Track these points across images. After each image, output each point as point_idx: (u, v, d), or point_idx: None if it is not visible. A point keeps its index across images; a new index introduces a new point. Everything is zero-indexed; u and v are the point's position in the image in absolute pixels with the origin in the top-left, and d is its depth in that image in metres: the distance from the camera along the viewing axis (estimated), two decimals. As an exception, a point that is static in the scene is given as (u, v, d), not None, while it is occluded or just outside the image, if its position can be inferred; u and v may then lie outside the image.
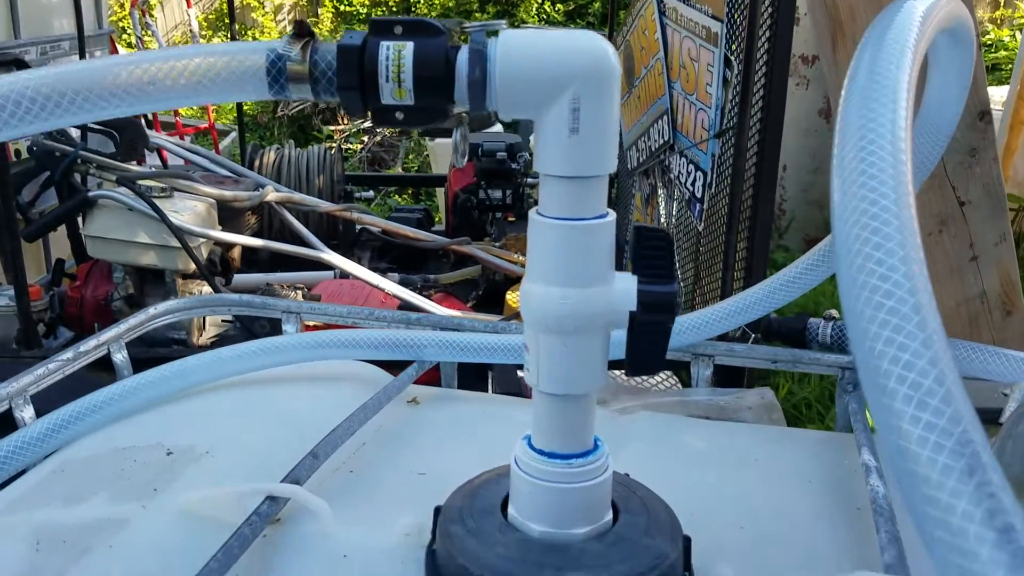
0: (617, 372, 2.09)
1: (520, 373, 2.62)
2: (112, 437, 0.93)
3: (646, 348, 0.65)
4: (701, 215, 2.79)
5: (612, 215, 0.63)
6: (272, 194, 2.55)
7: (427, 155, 5.52)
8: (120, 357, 1.14)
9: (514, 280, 3.25)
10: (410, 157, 6.14)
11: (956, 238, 1.71)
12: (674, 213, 3.12)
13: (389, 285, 2.53)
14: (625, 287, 0.64)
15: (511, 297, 3.11)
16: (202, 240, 2.29)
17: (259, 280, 2.43)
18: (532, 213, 0.64)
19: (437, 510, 0.71)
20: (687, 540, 0.67)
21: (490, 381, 1.93)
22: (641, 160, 3.48)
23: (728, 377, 1.29)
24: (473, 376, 2.11)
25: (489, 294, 3.35)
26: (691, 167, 2.87)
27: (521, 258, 3.29)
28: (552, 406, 0.66)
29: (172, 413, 0.99)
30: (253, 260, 3.14)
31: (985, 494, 0.30)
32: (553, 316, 0.63)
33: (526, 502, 0.67)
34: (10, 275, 2.01)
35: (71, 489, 0.82)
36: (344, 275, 2.93)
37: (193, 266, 2.24)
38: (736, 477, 0.89)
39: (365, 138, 5.87)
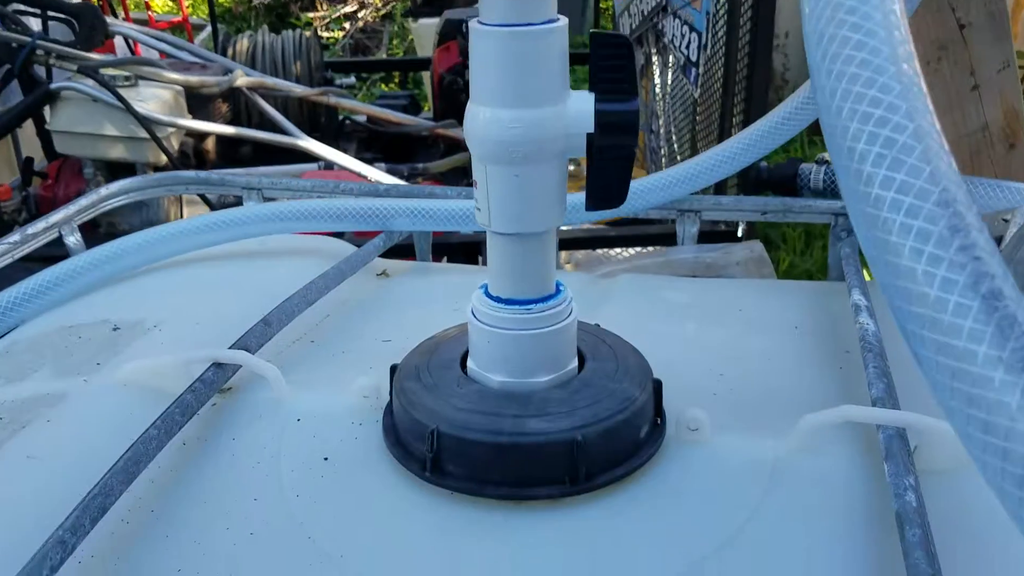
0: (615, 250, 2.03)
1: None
2: (60, 316, 0.88)
3: (606, 176, 0.59)
4: (697, 80, 2.67)
5: (564, 20, 0.56)
6: (242, 78, 2.43)
7: (411, 39, 5.31)
8: (73, 240, 1.08)
9: (506, 164, 3.14)
10: (394, 43, 5.92)
11: (956, 66, 1.60)
12: (669, 82, 3.00)
13: (375, 174, 2.45)
14: (581, 106, 0.57)
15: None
16: (172, 130, 2.20)
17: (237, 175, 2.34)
18: (472, 23, 0.56)
19: (393, 368, 0.66)
20: (658, 383, 0.63)
21: (480, 265, 1.87)
22: (634, 27, 3.32)
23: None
24: (463, 261, 2.07)
25: (480, 179, 3.26)
26: (685, 28, 2.73)
27: (510, 139, 3.18)
28: (506, 248, 0.60)
29: (122, 290, 0.93)
30: (234, 157, 3.04)
31: (969, 257, 0.25)
32: (501, 143, 0.56)
33: (484, 353, 0.62)
34: (-23, 175, 1.94)
35: (12, 368, 0.78)
36: (328, 167, 2.84)
37: (165, 158, 2.16)
38: (717, 327, 0.84)
39: (347, 25, 5.64)
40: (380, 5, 5.54)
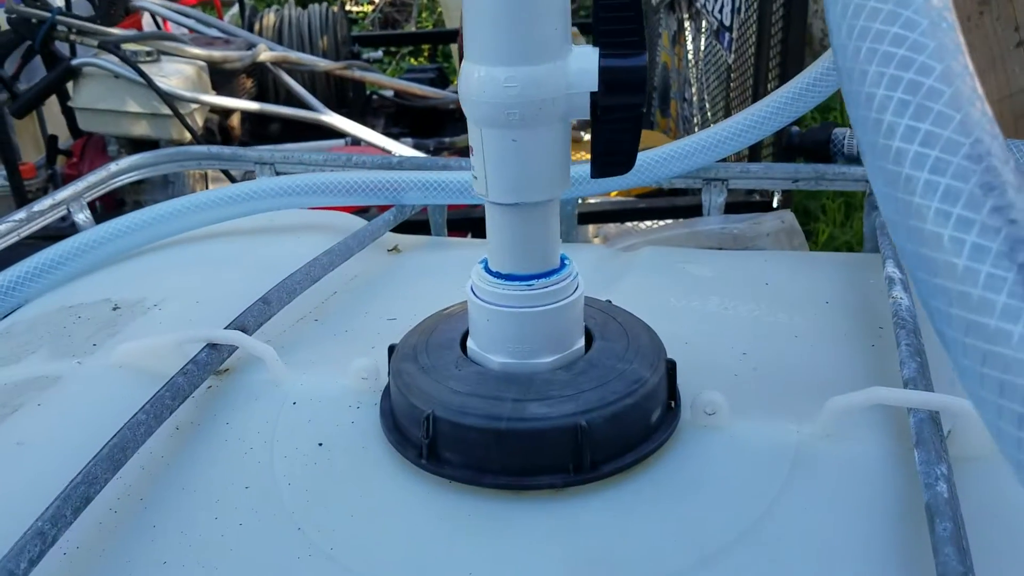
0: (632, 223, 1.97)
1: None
2: (63, 296, 0.86)
3: (611, 140, 0.54)
4: (731, 45, 2.59)
5: None
6: (265, 53, 2.40)
7: (440, 12, 5.24)
8: (82, 217, 1.06)
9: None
10: (423, 15, 5.85)
11: (999, 21, 1.50)
12: (702, 48, 2.91)
13: (400, 148, 2.41)
14: (583, 63, 0.52)
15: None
16: (195, 107, 2.18)
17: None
18: None
19: (391, 348, 0.63)
20: (671, 364, 0.58)
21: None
22: (665, -8, 3.23)
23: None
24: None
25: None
26: (717, -7, 2.64)
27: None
28: (505, 219, 0.56)
29: (126, 268, 0.91)
30: (262, 134, 3.02)
31: (1004, 220, 0.20)
32: (496, 104, 0.52)
33: (484, 333, 0.58)
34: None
35: (9, 351, 0.76)
36: (355, 143, 2.81)
37: (189, 135, 2.14)
38: (741, 303, 0.79)
39: (377, -1, 5.60)
40: (410, -23, 5.50)
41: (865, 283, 0.85)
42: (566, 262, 0.59)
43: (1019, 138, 0.93)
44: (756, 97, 2.28)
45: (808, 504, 0.51)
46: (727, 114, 2.77)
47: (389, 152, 2.36)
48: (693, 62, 2.98)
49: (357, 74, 2.66)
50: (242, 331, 0.69)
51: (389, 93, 3.47)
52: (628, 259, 0.95)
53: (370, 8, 5.76)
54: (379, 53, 3.75)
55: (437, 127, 3.55)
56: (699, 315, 0.77)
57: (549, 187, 0.55)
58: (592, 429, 0.52)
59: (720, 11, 2.68)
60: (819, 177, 1.03)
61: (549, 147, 0.54)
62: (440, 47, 5.09)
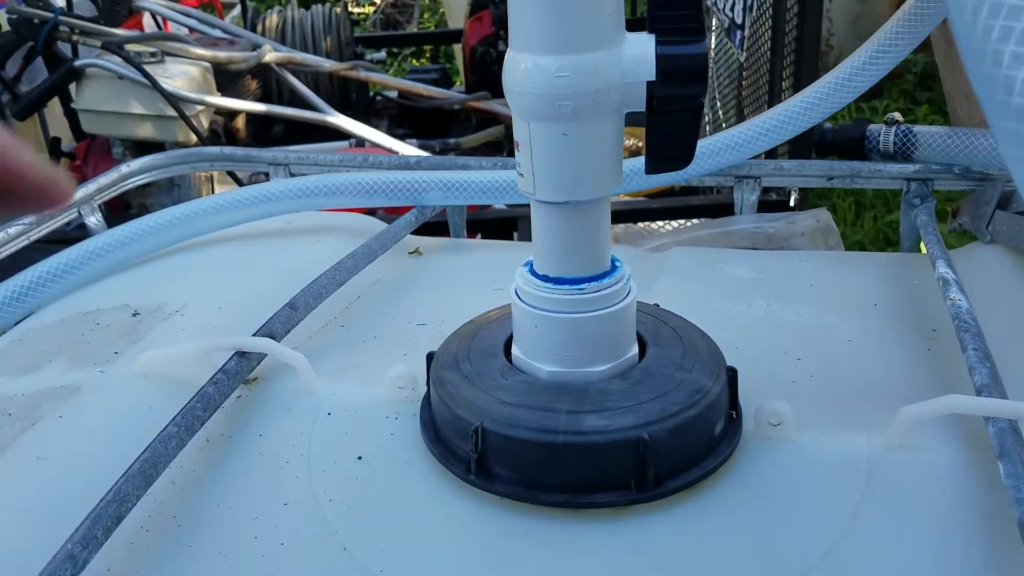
0: (651, 223, 1.94)
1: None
2: (78, 301, 0.83)
3: (668, 132, 0.51)
4: (742, 43, 2.55)
5: None
6: (271, 54, 2.37)
7: (443, 12, 5.21)
8: (94, 220, 1.03)
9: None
10: (425, 16, 5.81)
11: None
12: (713, 46, 2.88)
13: (406, 149, 2.38)
14: (638, 51, 0.49)
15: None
16: (200, 108, 2.14)
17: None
18: None
19: (430, 356, 0.60)
20: (732, 372, 0.55)
21: (515, 240, 1.80)
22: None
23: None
24: (498, 238, 1.99)
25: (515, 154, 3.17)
26: (727, -9, 2.61)
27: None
28: (555, 218, 0.53)
29: (143, 272, 0.88)
30: (265, 136, 2.99)
31: None
32: (546, 96, 0.49)
33: (531, 340, 0.55)
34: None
35: (26, 359, 0.73)
36: (360, 144, 2.78)
37: (195, 137, 2.11)
38: (788, 305, 0.76)
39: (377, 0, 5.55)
40: (411, -23, 5.46)
41: (909, 284, 0.82)
42: (617, 264, 0.56)
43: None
44: (772, 95, 2.25)
45: (889, 520, 0.48)
46: (739, 112, 2.74)
47: (396, 152, 2.33)
48: (702, 60, 2.95)
49: (362, 75, 2.62)
50: (270, 338, 0.66)
51: (393, 94, 3.44)
52: (659, 260, 0.92)
53: (371, 9, 5.73)
54: (382, 54, 3.71)
55: (442, 128, 3.51)
56: (746, 318, 0.73)
57: (601, 184, 0.52)
58: (655, 443, 0.49)
59: (732, 8, 2.65)
60: (854, 175, 1.00)
61: (602, 141, 0.51)
62: (442, 48, 5.05)
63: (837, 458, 0.52)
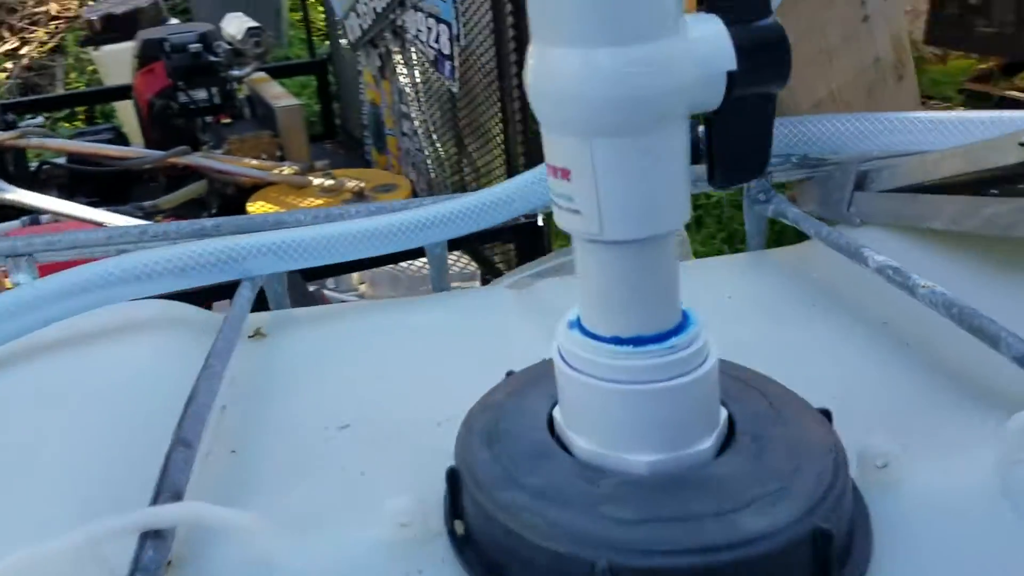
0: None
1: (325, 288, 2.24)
2: None
3: (742, 136, 0.42)
4: (453, 73, 2.53)
5: None
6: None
7: (93, 70, 4.65)
8: None
9: (249, 190, 2.80)
10: (71, 76, 5.13)
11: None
12: (419, 80, 2.83)
13: (112, 219, 2.02)
14: (707, 33, 0.38)
15: (253, 208, 2.70)
16: None
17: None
18: None
19: (452, 474, 0.44)
20: (827, 414, 0.46)
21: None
22: (365, 27, 3.11)
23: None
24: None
25: (224, 211, 2.88)
26: (431, 21, 2.58)
27: (253, 161, 2.85)
28: (631, 263, 0.40)
29: None
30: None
31: None
32: (618, 100, 0.36)
33: (620, 425, 0.41)
34: None
35: None
36: (35, 221, 2.35)
37: None
38: (736, 324, 0.69)
39: (9, 64, 4.77)
40: (46, 39, 4.76)
41: (808, 278, 0.79)
42: (686, 311, 0.44)
43: (872, 110, 0.93)
44: (506, 119, 2.24)
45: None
46: (459, 143, 2.72)
47: (101, 224, 1.97)
48: (412, 95, 2.89)
49: (35, 142, 2.21)
50: (176, 497, 0.45)
51: (60, 159, 2.99)
52: (526, 299, 0.81)
53: (3, 76, 4.94)
54: (40, 119, 3.20)
55: (124, 192, 3.12)
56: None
57: (682, 210, 0.41)
58: (835, 530, 0.38)
59: (436, 40, 2.62)
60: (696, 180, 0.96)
61: (678, 155, 0.40)
62: (98, 108, 4.50)
63: (964, 490, 0.45)
